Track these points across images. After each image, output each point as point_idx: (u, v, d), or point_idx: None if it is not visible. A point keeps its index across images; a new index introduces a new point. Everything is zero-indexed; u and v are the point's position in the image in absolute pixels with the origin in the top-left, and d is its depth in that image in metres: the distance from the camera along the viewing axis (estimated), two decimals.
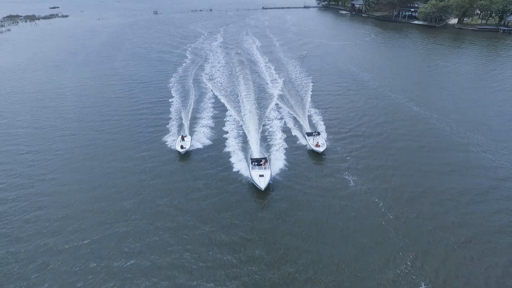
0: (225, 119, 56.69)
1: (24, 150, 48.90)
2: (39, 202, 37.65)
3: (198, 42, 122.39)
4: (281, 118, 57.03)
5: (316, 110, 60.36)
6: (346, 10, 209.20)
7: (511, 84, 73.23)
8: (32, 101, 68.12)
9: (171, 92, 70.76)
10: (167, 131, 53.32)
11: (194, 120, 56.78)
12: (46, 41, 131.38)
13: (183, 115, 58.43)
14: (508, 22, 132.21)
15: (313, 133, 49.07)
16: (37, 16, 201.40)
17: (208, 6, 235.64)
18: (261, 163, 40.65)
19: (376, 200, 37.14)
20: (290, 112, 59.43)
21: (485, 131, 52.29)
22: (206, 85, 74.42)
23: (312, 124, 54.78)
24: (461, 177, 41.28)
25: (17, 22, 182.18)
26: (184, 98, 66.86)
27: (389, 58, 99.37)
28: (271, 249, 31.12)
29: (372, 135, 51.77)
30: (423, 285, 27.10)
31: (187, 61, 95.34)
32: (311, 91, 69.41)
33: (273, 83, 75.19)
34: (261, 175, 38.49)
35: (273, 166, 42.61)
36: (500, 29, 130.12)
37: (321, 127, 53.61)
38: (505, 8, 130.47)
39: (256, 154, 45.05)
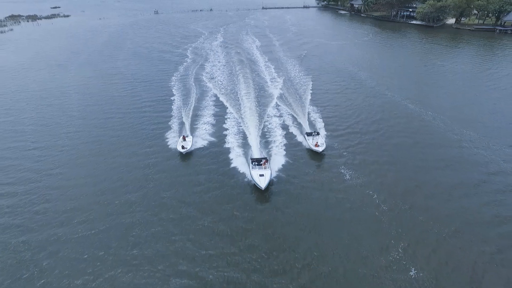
0: (225, 117, 58.15)
1: (31, 146, 50.44)
2: (47, 195, 39.19)
3: (198, 41, 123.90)
4: (281, 116, 58.44)
5: (315, 108, 61.88)
6: (345, 10, 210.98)
7: (506, 83, 74.84)
8: (37, 99, 69.62)
9: (173, 90, 72.29)
10: (169, 128, 54.84)
11: (195, 118, 58.26)
12: (48, 40, 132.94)
13: (184, 113, 59.89)
14: (505, 22, 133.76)
15: (313, 133, 49.90)
16: (39, 16, 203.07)
17: (208, 6, 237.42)
18: (261, 163, 41.42)
19: (371, 193, 38.69)
20: (289, 110, 60.85)
21: (479, 128, 53.82)
22: (206, 83, 75.92)
23: (310, 122, 56.26)
24: (454, 171, 42.80)
25: (19, 22, 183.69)
26: (185, 96, 68.38)
27: (387, 58, 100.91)
28: (270, 238, 32.63)
29: (369, 132, 53.30)
30: (413, 270, 28.65)
31: (188, 61, 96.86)
32: (310, 90, 70.87)
33: (272, 82, 76.65)
34: (261, 175, 39.27)
35: (273, 162, 44.08)
36: (497, 29, 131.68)
37: (320, 125, 55.09)
38: (502, 8, 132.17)
39: (256, 153, 46.35)
